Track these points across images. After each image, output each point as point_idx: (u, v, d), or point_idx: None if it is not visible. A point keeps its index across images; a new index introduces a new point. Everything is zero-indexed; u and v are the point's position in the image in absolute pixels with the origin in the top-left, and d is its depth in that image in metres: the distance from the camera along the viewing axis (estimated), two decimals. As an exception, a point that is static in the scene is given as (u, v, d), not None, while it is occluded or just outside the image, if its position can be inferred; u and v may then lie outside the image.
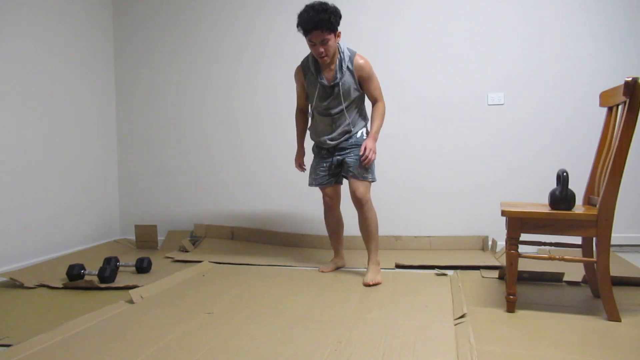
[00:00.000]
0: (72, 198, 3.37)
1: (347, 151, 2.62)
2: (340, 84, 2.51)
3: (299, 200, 3.60)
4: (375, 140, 2.56)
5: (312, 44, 2.43)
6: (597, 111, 3.19)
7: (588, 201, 2.23)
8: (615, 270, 2.53)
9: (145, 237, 3.61)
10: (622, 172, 1.88)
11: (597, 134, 3.19)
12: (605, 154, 2.11)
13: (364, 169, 2.56)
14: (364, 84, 2.57)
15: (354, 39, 3.49)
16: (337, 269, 2.82)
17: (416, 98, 3.45)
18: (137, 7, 3.81)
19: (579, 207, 2.11)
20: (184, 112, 3.78)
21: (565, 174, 2.01)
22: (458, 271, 2.74)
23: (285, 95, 3.62)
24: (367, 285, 2.45)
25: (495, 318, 1.96)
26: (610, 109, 2.18)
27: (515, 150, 3.34)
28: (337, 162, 2.66)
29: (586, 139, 3.23)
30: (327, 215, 2.82)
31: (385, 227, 3.42)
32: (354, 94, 2.56)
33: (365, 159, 2.50)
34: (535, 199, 3.23)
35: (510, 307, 2.02)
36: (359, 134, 2.63)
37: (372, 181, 2.62)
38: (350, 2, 3.50)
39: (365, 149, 2.50)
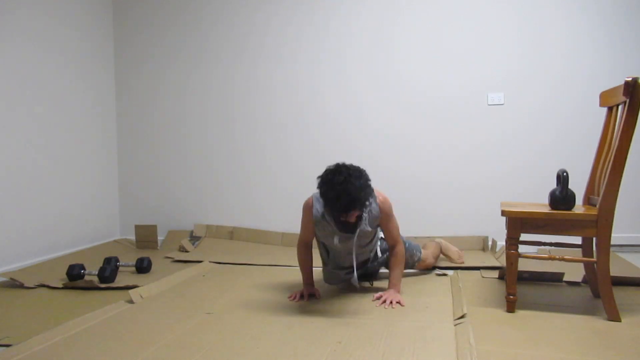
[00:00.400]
0: (72, 198, 3.37)
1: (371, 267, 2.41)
2: (361, 231, 2.17)
3: (299, 200, 3.59)
4: (398, 291, 2.21)
5: (343, 219, 2.05)
6: (597, 111, 3.19)
7: (588, 201, 2.23)
8: (615, 270, 2.53)
9: (145, 237, 3.61)
10: (622, 172, 1.88)
11: (597, 134, 3.18)
12: (605, 154, 2.11)
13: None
14: (382, 222, 2.24)
15: (354, 38, 3.50)
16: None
17: (416, 98, 3.45)
18: (137, 8, 3.81)
19: (579, 207, 2.10)
20: (184, 112, 3.78)
21: (565, 174, 2.01)
22: (458, 271, 2.73)
23: (285, 97, 3.62)
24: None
25: (495, 318, 1.96)
26: (610, 109, 2.18)
27: (515, 150, 3.34)
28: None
29: (586, 139, 3.23)
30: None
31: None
32: (372, 233, 2.27)
33: (381, 304, 2.14)
34: (535, 199, 3.23)
35: (510, 307, 2.02)
36: (379, 253, 2.42)
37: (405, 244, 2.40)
38: (351, 2, 3.50)
39: (384, 301, 2.14)
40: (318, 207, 2.18)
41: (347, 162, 2.08)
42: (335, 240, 2.18)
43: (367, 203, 2.06)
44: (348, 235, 2.17)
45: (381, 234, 2.39)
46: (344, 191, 1.90)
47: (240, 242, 3.59)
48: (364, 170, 2.03)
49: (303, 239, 2.31)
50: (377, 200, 2.18)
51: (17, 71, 2.93)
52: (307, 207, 2.23)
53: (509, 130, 3.35)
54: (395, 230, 2.27)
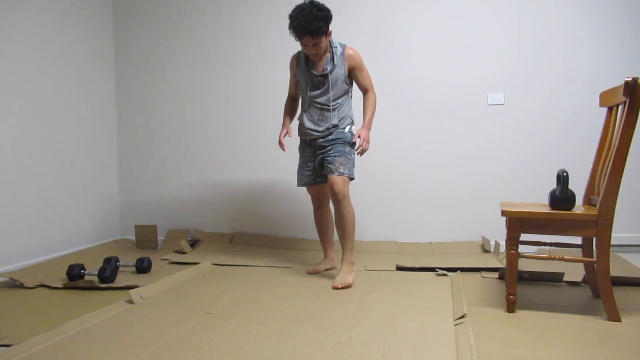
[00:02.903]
0: (72, 198, 3.37)
1: (328, 148, 2.59)
2: (329, 74, 2.54)
3: (299, 201, 3.59)
4: (369, 129, 2.57)
5: (303, 45, 2.49)
6: (597, 111, 3.19)
7: (588, 201, 2.23)
8: (615, 270, 2.53)
9: (145, 237, 3.61)
10: (622, 172, 1.88)
11: (597, 134, 3.19)
12: (605, 154, 2.11)
13: (341, 164, 2.53)
14: (355, 74, 2.60)
15: (354, 39, 3.49)
16: (326, 270, 2.77)
17: (416, 98, 3.45)
18: (137, 8, 3.81)
19: (579, 207, 2.11)
20: (184, 112, 3.78)
21: (565, 174, 2.01)
22: (458, 272, 2.73)
23: (286, 96, 3.62)
24: (335, 288, 2.40)
25: (495, 318, 1.96)
26: (610, 109, 2.18)
27: (515, 150, 3.34)
28: (320, 161, 2.63)
29: (586, 139, 3.23)
30: (316, 214, 2.82)
31: (386, 231, 3.43)
32: (343, 87, 2.58)
33: (359, 148, 2.52)
34: (535, 199, 3.23)
35: (510, 307, 2.02)
36: (346, 129, 2.61)
37: (351, 177, 2.57)
38: (351, 2, 3.50)
39: (359, 137, 2.52)
40: (299, 53, 2.66)
41: None
42: (309, 79, 2.58)
43: (322, 27, 2.38)
44: (321, 75, 2.54)
45: (351, 131, 2.63)
46: (302, 14, 2.36)
47: (240, 245, 3.58)
48: (329, 10, 2.43)
49: (289, 93, 2.82)
50: (346, 49, 2.56)
51: (17, 71, 2.92)
52: (292, 58, 2.72)
53: (509, 130, 3.35)
54: (367, 79, 2.63)
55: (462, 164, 3.40)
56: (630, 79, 1.85)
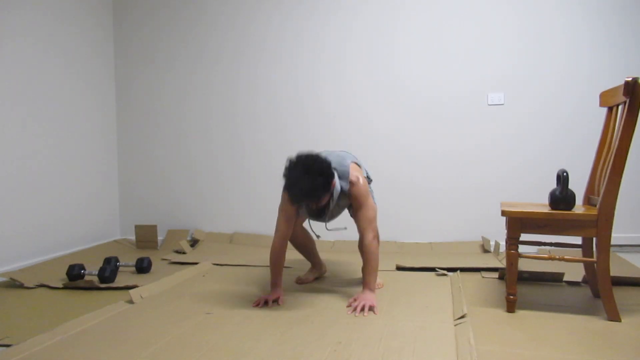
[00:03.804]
0: (72, 198, 3.37)
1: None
2: (333, 210, 2.23)
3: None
4: (373, 290, 2.13)
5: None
6: (597, 111, 3.19)
7: (588, 201, 2.23)
8: (615, 270, 2.53)
9: (145, 237, 3.61)
10: (622, 172, 1.88)
11: (597, 134, 3.20)
12: (605, 154, 2.11)
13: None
14: (355, 209, 2.20)
15: (353, 39, 3.50)
16: (317, 278, 2.61)
17: (415, 98, 3.45)
18: (137, 8, 3.81)
19: (579, 207, 2.11)
20: (184, 112, 3.78)
21: (565, 174, 2.01)
22: (458, 272, 2.73)
23: (286, 97, 3.62)
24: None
25: (495, 318, 1.96)
26: (610, 109, 2.18)
27: (515, 151, 3.34)
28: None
29: (586, 139, 3.23)
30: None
31: (385, 232, 3.43)
32: (346, 206, 2.31)
33: (352, 308, 2.07)
34: (535, 199, 3.23)
35: (510, 307, 2.02)
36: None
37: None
38: (351, 2, 3.50)
39: (359, 308, 2.04)
40: None
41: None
42: (307, 212, 2.26)
43: (322, 194, 2.00)
44: (322, 213, 2.22)
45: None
46: (296, 185, 1.95)
47: (239, 245, 3.58)
48: (324, 161, 2.01)
49: (281, 234, 2.21)
50: (351, 188, 2.14)
51: (17, 71, 2.93)
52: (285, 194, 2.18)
53: (509, 130, 3.35)
54: (365, 220, 2.14)
55: (462, 164, 3.40)
56: (630, 79, 1.85)
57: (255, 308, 2.11)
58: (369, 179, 2.37)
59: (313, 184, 1.94)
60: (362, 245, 2.17)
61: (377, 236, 2.17)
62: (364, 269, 2.18)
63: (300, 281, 2.55)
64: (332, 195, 2.10)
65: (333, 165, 2.15)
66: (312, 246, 2.58)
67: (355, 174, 2.16)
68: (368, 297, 2.08)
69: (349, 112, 3.53)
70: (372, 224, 2.15)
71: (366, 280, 2.14)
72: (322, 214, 2.21)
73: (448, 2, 3.39)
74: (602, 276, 1.91)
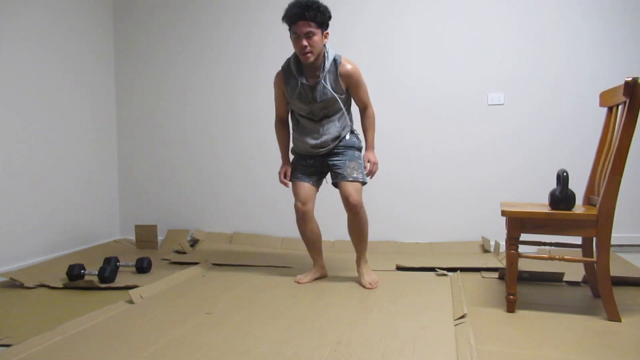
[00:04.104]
0: (72, 198, 3.37)
1: (335, 155, 2.47)
2: (324, 88, 2.35)
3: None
4: (374, 149, 2.52)
5: (295, 37, 2.28)
6: (597, 111, 3.19)
7: (588, 201, 2.23)
8: (615, 270, 2.53)
9: (145, 237, 3.61)
10: (622, 172, 1.88)
11: (597, 134, 3.19)
12: (605, 154, 2.11)
13: (353, 169, 2.42)
14: (353, 90, 2.43)
15: (353, 39, 3.50)
16: (317, 279, 2.58)
17: (415, 98, 3.45)
18: (137, 8, 3.81)
19: (579, 207, 2.11)
20: (184, 112, 3.78)
21: (565, 174, 2.01)
22: (458, 272, 2.73)
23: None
24: (369, 287, 2.40)
25: (495, 318, 1.96)
26: (610, 109, 2.18)
27: (515, 150, 3.34)
28: (323, 162, 2.52)
29: (586, 139, 3.23)
30: (301, 224, 2.51)
31: (386, 231, 3.43)
32: (341, 97, 2.41)
33: (369, 173, 2.48)
34: (535, 199, 3.23)
35: (510, 307, 2.02)
36: (347, 136, 2.50)
37: (364, 183, 2.46)
38: (351, 2, 3.50)
39: (369, 162, 2.47)
40: (284, 65, 2.46)
41: None
42: (301, 92, 2.38)
43: (321, 26, 2.26)
44: (314, 88, 2.35)
45: (350, 135, 2.52)
46: (299, 1, 2.22)
47: (239, 245, 3.58)
48: (329, 10, 2.30)
49: (278, 114, 2.57)
50: (343, 62, 2.35)
51: (17, 71, 2.93)
52: (276, 76, 2.49)
53: (509, 130, 3.35)
54: (366, 95, 2.47)
55: (462, 164, 3.40)
56: (630, 79, 1.85)
57: (255, 308, 2.11)
58: (358, 139, 2.57)
59: (314, 1, 2.22)
60: (364, 116, 2.50)
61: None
62: (366, 133, 2.51)
63: (301, 281, 2.54)
64: (324, 54, 2.33)
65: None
66: (320, 245, 2.61)
67: (349, 60, 2.39)
68: (372, 156, 2.48)
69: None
70: (369, 100, 2.49)
71: (369, 142, 2.51)
72: (318, 95, 2.34)
73: (448, 2, 3.39)
74: (602, 276, 1.91)
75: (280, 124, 2.60)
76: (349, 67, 2.36)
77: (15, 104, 2.91)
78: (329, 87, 2.36)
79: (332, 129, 2.45)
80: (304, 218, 2.51)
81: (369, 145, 2.52)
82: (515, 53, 3.32)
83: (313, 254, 2.62)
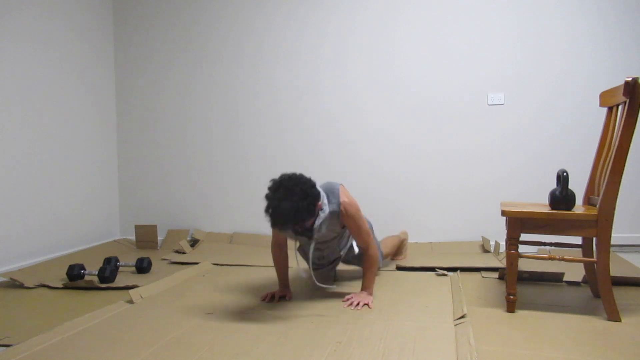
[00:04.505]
0: (72, 198, 3.37)
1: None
2: (319, 233, 2.14)
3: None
4: (370, 294, 2.20)
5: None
6: (597, 111, 3.19)
7: (588, 201, 2.23)
8: (615, 270, 2.53)
9: (145, 237, 3.61)
10: (622, 172, 1.88)
11: (597, 134, 3.20)
12: (605, 154, 2.11)
13: (357, 247, 2.33)
14: (351, 230, 2.22)
15: (353, 39, 3.50)
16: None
17: (416, 98, 3.45)
18: (137, 8, 3.81)
19: (579, 207, 2.10)
20: (184, 112, 3.78)
21: (565, 174, 2.01)
22: (458, 272, 2.73)
23: (286, 97, 3.62)
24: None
25: (495, 318, 1.96)
26: (610, 109, 2.18)
27: (515, 150, 3.34)
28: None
29: (586, 139, 3.23)
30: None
31: (386, 231, 3.42)
32: (339, 232, 2.32)
33: (351, 305, 2.13)
34: (535, 199, 3.23)
35: (510, 307, 2.02)
36: (348, 245, 2.41)
37: (370, 229, 2.37)
38: (351, 2, 3.50)
39: (351, 300, 2.15)
40: None
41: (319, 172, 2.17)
42: (297, 243, 2.35)
43: (305, 217, 1.93)
44: (308, 239, 2.16)
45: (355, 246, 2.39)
46: (276, 210, 1.88)
47: (239, 245, 3.58)
48: (308, 183, 1.96)
49: (275, 240, 2.29)
50: (341, 201, 2.13)
51: (17, 71, 2.93)
52: None
53: (509, 130, 3.35)
54: (365, 233, 2.19)
55: (462, 164, 3.40)
56: (630, 79, 1.85)
57: (255, 308, 2.11)
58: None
59: (295, 207, 1.87)
60: (365, 257, 2.22)
61: (378, 249, 2.32)
62: (364, 274, 2.23)
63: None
64: (317, 217, 2.04)
65: (321, 187, 2.17)
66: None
67: (346, 194, 2.17)
68: (364, 297, 2.16)
69: (348, 112, 3.53)
70: (371, 241, 2.20)
71: (366, 284, 2.21)
72: (310, 235, 2.07)
73: (448, 2, 3.39)
74: (602, 276, 1.91)
75: (277, 248, 2.31)
76: (345, 211, 2.15)
77: (15, 104, 2.91)
78: (324, 231, 2.17)
79: (331, 251, 2.41)
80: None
81: (365, 286, 2.21)
82: (515, 53, 3.32)
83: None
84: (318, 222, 2.06)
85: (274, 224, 1.92)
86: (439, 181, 3.43)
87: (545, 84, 3.29)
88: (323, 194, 2.11)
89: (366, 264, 2.22)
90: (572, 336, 1.75)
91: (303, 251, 2.46)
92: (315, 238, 2.20)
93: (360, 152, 3.50)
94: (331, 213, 2.14)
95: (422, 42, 3.43)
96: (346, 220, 2.16)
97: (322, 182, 2.58)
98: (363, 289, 2.21)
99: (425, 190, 3.46)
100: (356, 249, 2.38)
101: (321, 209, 2.07)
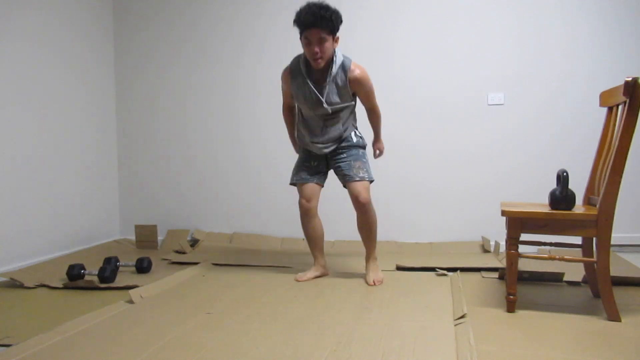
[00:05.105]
0: (72, 198, 3.37)
1: (339, 154, 2.52)
2: (330, 94, 2.39)
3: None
4: (381, 141, 2.70)
5: (307, 42, 2.29)
6: (597, 111, 3.19)
7: (588, 201, 2.23)
8: (615, 270, 2.53)
9: (145, 237, 3.61)
10: (622, 172, 1.88)
11: (597, 134, 3.18)
12: (605, 154, 2.11)
13: (359, 168, 2.48)
14: (361, 96, 2.49)
15: (353, 39, 3.50)
16: (317, 277, 2.60)
17: (416, 98, 3.45)
18: (137, 8, 3.81)
19: (579, 207, 2.11)
20: (184, 111, 3.78)
21: (565, 174, 2.01)
22: (458, 271, 2.73)
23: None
24: (372, 284, 2.45)
25: (495, 318, 1.96)
26: (610, 109, 2.18)
27: (515, 150, 3.34)
28: (327, 163, 2.59)
29: (586, 139, 3.23)
30: (305, 222, 2.58)
31: (386, 231, 3.42)
32: (346, 102, 2.45)
33: (378, 155, 2.70)
34: (535, 199, 3.23)
35: (510, 307, 2.02)
36: (352, 136, 2.54)
37: (371, 181, 2.53)
38: (351, 2, 3.50)
39: (378, 151, 2.69)
40: (293, 63, 2.46)
41: None
42: (307, 93, 2.40)
43: (331, 17, 2.25)
44: (318, 98, 2.38)
45: (355, 137, 2.56)
46: (314, 4, 2.25)
47: (239, 245, 3.58)
48: (340, 14, 2.32)
49: (285, 103, 2.64)
50: (352, 67, 2.37)
51: (17, 71, 2.92)
52: (284, 72, 2.51)
53: (509, 130, 3.34)
54: (374, 99, 2.54)
55: (462, 164, 3.40)
56: (630, 79, 1.85)
57: (255, 308, 2.11)
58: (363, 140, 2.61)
59: (326, 4, 2.24)
60: (371, 115, 2.60)
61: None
62: (374, 128, 2.64)
63: (300, 279, 2.56)
64: (333, 58, 2.34)
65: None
66: (322, 243, 2.65)
67: (359, 64, 2.42)
68: (382, 146, 2.69)
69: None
70: (376, 104, 2.57)
71: (377, 135, 2.68)
72: (320, 95, 2.36)
73: (448, 2, 3.39)
74: (602, 276, 1.91)
75: (288, 111, 2.67)
76: (357, 73, 2.39)
77: (15, 104, 2.91)
78: (335, 95, 2.40)
79: (334, 129, 2.49)
80: (307, 214, 2.57)
81: (377, 137, 2.67)
82: (515, 53, 3.32)
83: (315, 252, 2.65)
84: (334, 68, 2.34)
85: (305, 14, 2.23)
86: (439, 181, 3.43)
87: (545, 84, 3.29)
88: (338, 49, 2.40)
89: (374, 121, 2.62)
90: (572, 336, 1.75)
91: (304, 127, 2.54)
92: (326, 104, 2.37)
93: (360, 152, 3.49)
94: (343, 65, 2.37)
95: (422, 42, 3.43)
96: (355, 81, 2.38)
97: None
98: (377, 140, 2.68)
99: (425, 190, 3.46)
100: (354, 139, 2.54)
101: (336, 54, 2.36)
